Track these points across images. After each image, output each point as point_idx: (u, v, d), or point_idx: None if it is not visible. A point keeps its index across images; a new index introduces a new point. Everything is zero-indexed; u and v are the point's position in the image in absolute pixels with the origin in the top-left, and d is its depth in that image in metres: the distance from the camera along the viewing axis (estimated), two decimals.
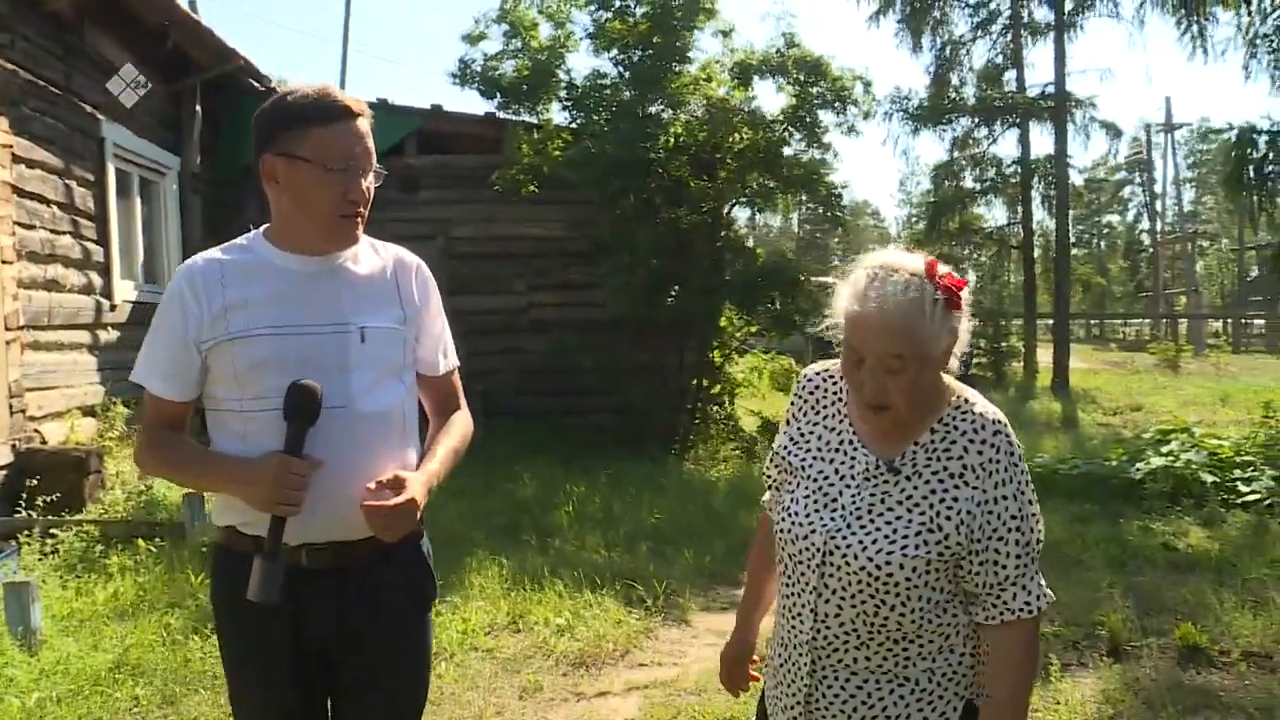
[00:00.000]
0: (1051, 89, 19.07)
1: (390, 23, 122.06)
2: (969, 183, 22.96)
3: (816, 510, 1.90)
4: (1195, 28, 9.16)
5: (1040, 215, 23.32)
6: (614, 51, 10.92)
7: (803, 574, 1.91)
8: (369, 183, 2.14)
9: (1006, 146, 58.40)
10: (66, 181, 8.34)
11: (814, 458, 1.96)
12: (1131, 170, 47.19)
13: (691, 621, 5.53)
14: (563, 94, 11.15)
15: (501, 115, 11.50)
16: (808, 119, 10.87)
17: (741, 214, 12.36)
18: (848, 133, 11.59)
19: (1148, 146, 47.13)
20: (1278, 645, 4.83)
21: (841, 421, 1.96)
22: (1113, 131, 21.32)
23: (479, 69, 11.17)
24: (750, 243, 13.35)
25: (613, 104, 10.80)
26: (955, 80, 22.25)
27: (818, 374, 2.06)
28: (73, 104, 8.46)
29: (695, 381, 11.26)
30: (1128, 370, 23.63)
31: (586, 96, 10.90)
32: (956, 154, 21.75)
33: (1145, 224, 52.22)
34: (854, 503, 1.87)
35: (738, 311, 11.06)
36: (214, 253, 2.19)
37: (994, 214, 23.88)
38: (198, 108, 10.74)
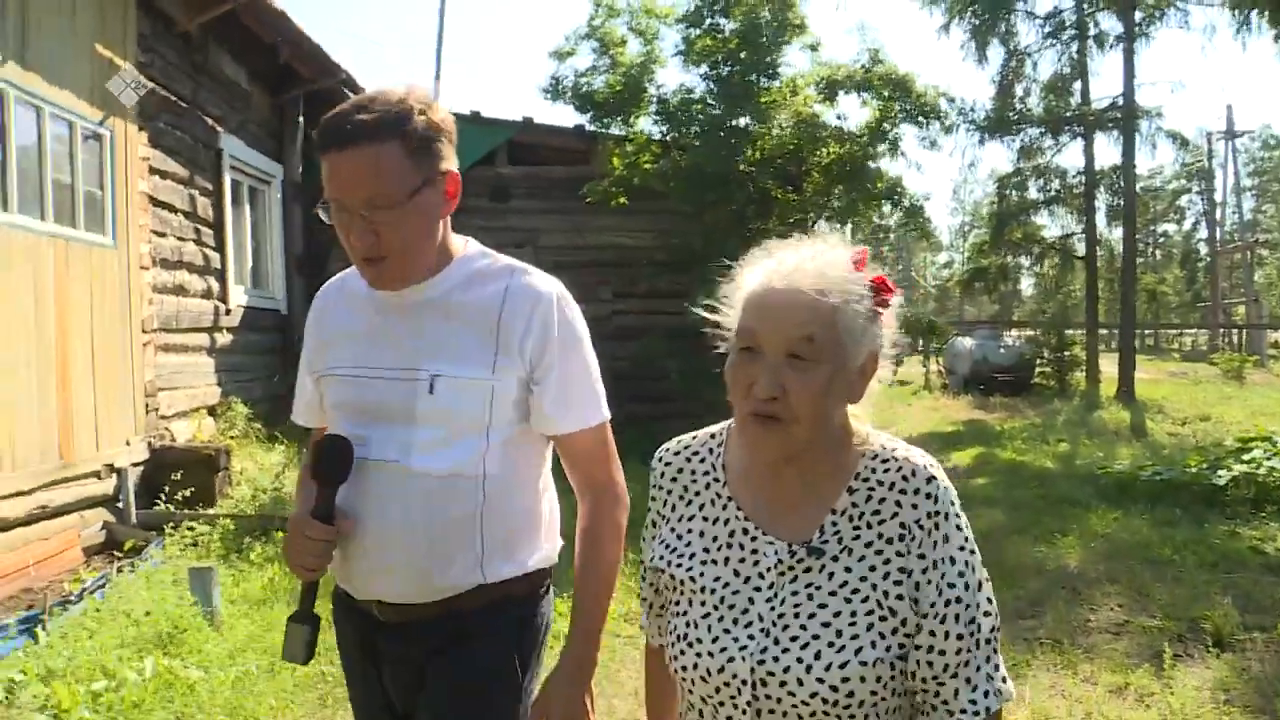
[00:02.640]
0: (1119, 99, 19.13)
1: (482, 36, 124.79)
2: (1033, 193, 23.04)
3: (726, 630, 1.44)
4: None
5: (1102, 226, 23.36)
6: (703, 67, 11.26)
7: (729, 717, 1.45)
8: (373, 221, 1.77)
9: (1071, 157, 58.06)
10: (190, 191, 8.84)
11: (701, 562, 1.51)
12: (1190, 179, 46.79)
13: None
14: (652, 108, 11.51)
15: (590, 128, 11.89)
16: (891, 133, 11.14)
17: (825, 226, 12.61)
18: (929, 146, 11.84)
19: (1209, 154, 46.71)
20: None
21: (725, 506, 1.52)
22: (1179, 141, 21.31)
23: (570, 84, 11.55)
24: None
25: (702, 118, 11.13)
26: (1020, 91, 22.32)
27: (677, 455, 1.61)
28: (198, 117, 8.96)
29: None
30: (1190, 380, 23.54)
31: (677, 111, 11.24)
32: (1022, 164, 21.83)
33: (1203, 233, 51.72)
34: (774, 609, 1.43)
35: None
36: (346, 272, 2.03)
37: (1056, 224, 23.89)
38: (300, 119, 11.24)
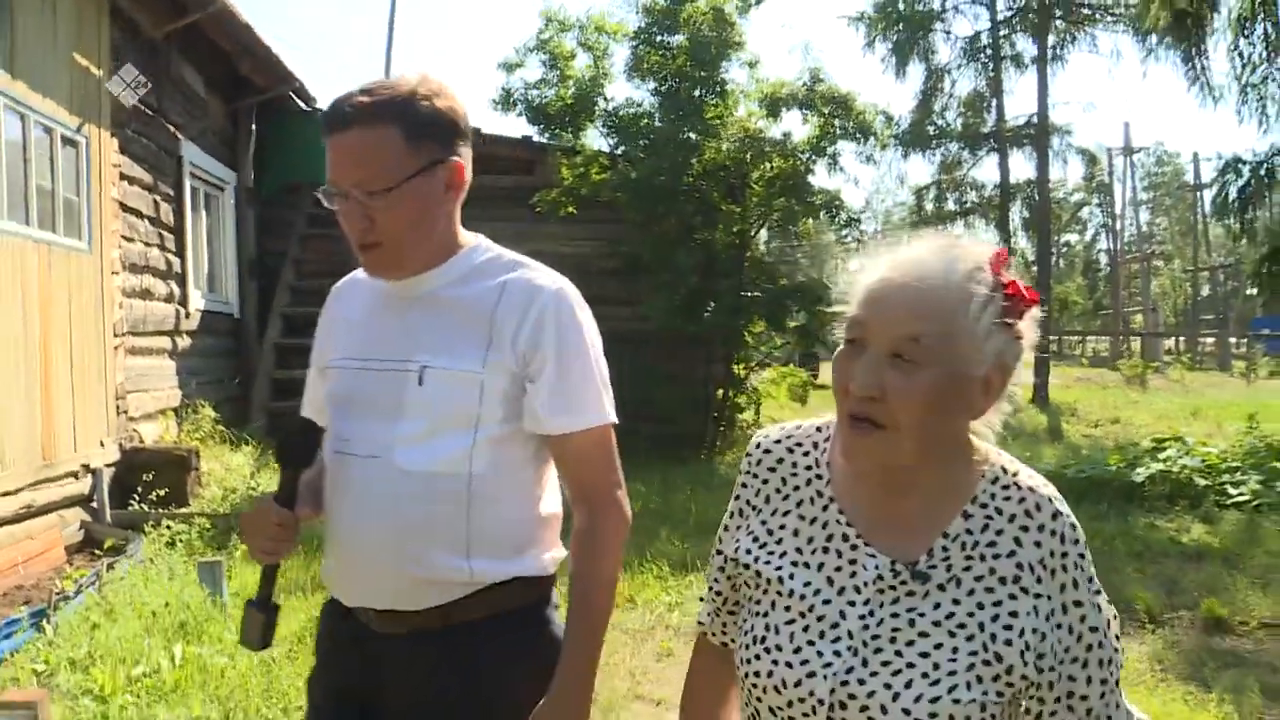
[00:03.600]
0: (1034, 118, 20.07)
1: (431, 47, 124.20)
2: (950, 205, 23.98)
3: (811, 641, 1.34)
4: (1200, 74, 10.13)
5: (1016, 237, 24.39)
6: (652, 83, 11.67)
7: None
8: (368, 206, 1.75)
9: (986, 171, 59.75)
10: (154, 197, 8.95)
11: (792, 564, 1.40)
12: (1092, 192, 48.72)
13: None
14: (601, 121, 11.87)
15: (538, 139, 12.21)
16: (829, 149, 11.67)
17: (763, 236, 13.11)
18: (865, 161, 12.42)
19: (1109, 169, 48.72)
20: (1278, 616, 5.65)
21: (827, 508, 1.41)
22: (1088, 158, 22.43)
23: (521, 95, 11.86)
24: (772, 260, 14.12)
25: (650, 131, 11.52)
26: (938, 106, 23.21)
27: (778, 443, 1.50)
28: (161, 125, 9.06)
29: (720, 392, 12.02)
30: (1098, 385, 24.68)
31: (627, 124, 11.62)
32: (941, 177, 22.72)
33: (1103, 243, 53.86)
34: (868, 629, 1.32)
35: (766, 326, 11.85)
36: (360, 270, 1.96)
37: (974, 236, 24.86)
38: (253, 126, 11.35)
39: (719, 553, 1.54)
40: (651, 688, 4.74)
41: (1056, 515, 1.32)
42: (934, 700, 1.26)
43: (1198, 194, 46.10)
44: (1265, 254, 10.19)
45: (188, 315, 9.60)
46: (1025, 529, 1.31)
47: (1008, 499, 1.33)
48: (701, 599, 1.60)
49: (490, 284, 1.83)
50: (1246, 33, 9.42)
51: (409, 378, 1.80)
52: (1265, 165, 10.14)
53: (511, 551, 1.84)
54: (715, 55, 11.72)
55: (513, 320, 1.80)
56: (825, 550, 1.38)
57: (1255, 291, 10.89)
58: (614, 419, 1.88)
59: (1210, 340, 40.97)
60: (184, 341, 9.53)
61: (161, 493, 7.43)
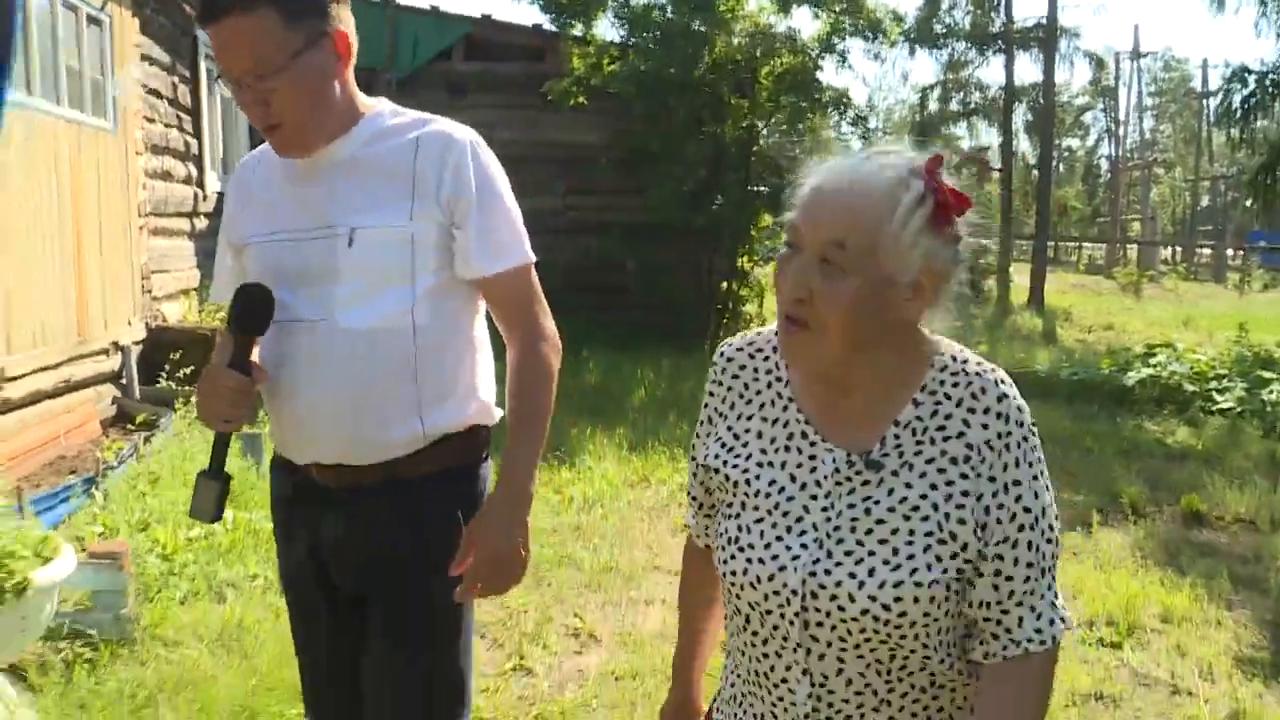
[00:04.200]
0: (1043, 20, 19.89)
1: None
2: (953, 105, 23.89)
3: (779, 537, 1.40)
4: None
5: (1018, 140, 24.38)
6: None
7: (776, 626, 1.41)
8: (262, 90, 1.75)
9: (991, 72, 58.92)
10: (172, 79, 8.99)
11: (758, 464, 1.45)
12: (1096, 96, 48.24)
13: None
14: (612, 12, 11.84)
15: (549, 28, 12.18)
16: (839, 46, 11.69)
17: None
18: (874, 59, 12.47)
19: (1115, 74, 48.16)
20: (1259, 513, 5.99)
21: (787, 408, 1.46)
22: (1096, 62, 22.29)
23: None
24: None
25: (661, 23, 11.51)
26: (946, 4, 22.95)
27: (740, 350, 1.54)
28: (177, 4, 9.05)
29: (725, 284, 12.26)
30: (1093, 292, 24.95)
31: (638, 15, 11.59)
32: (947, 76, 22.58)
33: (1105, 149, 53.57)
34: (830, 520, 1.38)
35: (772, 220, 12.03)
36: (265, 145, 1.97)
37: (975, 137, 24.82)
38: None
39: (693, 459, 1.59)
40: (668, 559, 5.08)
41: (1003, 398, 1.36)
42: (897, 585, 1.32)
43: (1204, 101, 45.70)
44: (1263, 163, 10.35)
45: (205, 197, 9.72)
46: (972, 410, 1.36)
47: (956, 384, 1.37)
48: (688, 506, 1.66)
49: (403, 140, 1.88)
50: None
51: (338, 241, 1.83)
52: (1271, 75, 10.22)
53: (459, 401, 1.93)
54: None
55: (433, 171, 1.85)
56: (787, 449, 1.43)
57: (1251, 201, 11.05)
58: (533, 257, 1.98)
59: (1207, 251, 41.15)
60: (201, 223, 9.68)
61: (188, 370, 7.69)
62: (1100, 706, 3.70)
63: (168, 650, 3.64)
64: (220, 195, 10.10)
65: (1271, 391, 8.84)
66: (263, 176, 1.98)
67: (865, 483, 1.37)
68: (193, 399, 6.94)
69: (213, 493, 1.89)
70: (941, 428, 1.36)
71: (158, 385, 7.66)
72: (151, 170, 8.38)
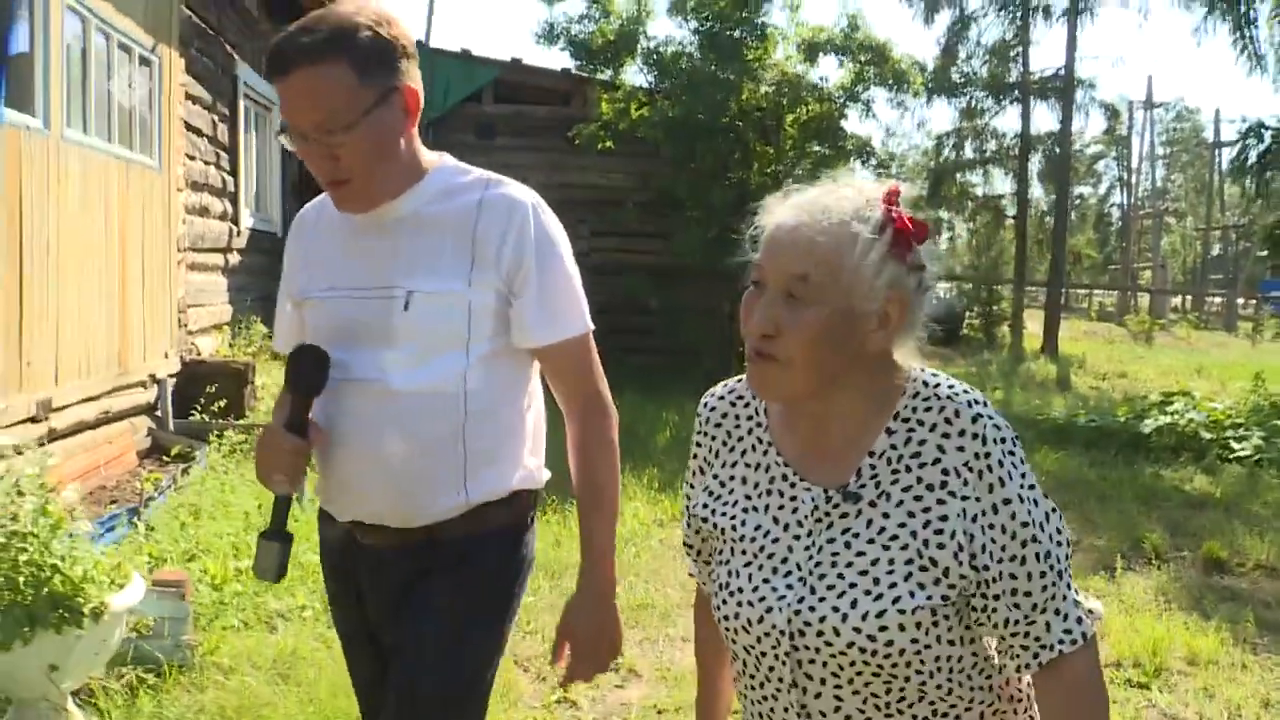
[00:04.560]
0: (1060, 70, 20.16)
1: None
2: (968, 153, 24.13)
3: (765, 579, 1.42)
4: (1248, 45, 10.40)
5: (1033, 187, 24.60)
6: (693, 22, 11.88)
7: (771, 668, 1.43)
8: (329, 144, 1.74)
9: (1006, 120, 59.42)
10: (212, 117, 9.23)
11: (743, 510, 1.49)
12: (1109, 145, 48.59)
13: None
14: (641, 58, 12.11)
15: (576, 72, 12.46)
16: (864, 95, 11.93)
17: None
18: (897, 108, 12.74)
19: (1129, 123, 48.57)
20: (1277, 560, 6.07)
21: (767, 452, 1.49)
22: (1111, 112, 22.54)
23: (563, 29, 12.09)
24: None
25: (689, 70, 11.77)
26: (963, 53, 23.23)
27: (721, 399, 1.59)
28: (220, 44, 9.31)
29: None
30: (1105, 340, 25.06)
31: (666, 62, 11.86)
32: (963, 124, 22.84)
33: (1116, 197, 53.85)
34: (811, 557, 1.39)
35: None
36: (324, 195, 1.94)
37: (990, 185, 25.02)
38: None
39: (686, 509, 1.62)
40: None
41: (977, 418, 1.36)
42: (880, 614, 1.33)
43: (1216, 151, 46.00)
44: (1278, 218, 10.49)
45: (239, 233, 9.93)
46: (947, 435, 1.36)
47: (929, 410, 1.39)
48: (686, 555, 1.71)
49: (467, 200, 1.85)
50: None
51: (395, 303, 1.82)
52: None
53: (505, 470, 1.90)
54: None
55: (494, 236, 1.82)
56: (769, 492, 1.47)
57: (1266, 254, 11.21)
58: (591, 325, 1.96)
59: (1218, 300, 41.24)
60: (234, 259, 9.87)
61: (222, 404, 7.83)
62: None
63: (225, 677, 3.75)
64: (253, 232, 10.32)
65: None
66: (323, 229, 1.97)
67: (844, 515, 1.39)
68: (227, 432, 7.15)
69: (274, 553, 1.90)
70: (916, 454, 1.38)
71: (191, 418, 7.81)
72: (190, 206, 8.59)
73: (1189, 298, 41.89)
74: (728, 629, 1.48)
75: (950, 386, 1.40)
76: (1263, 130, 10.55)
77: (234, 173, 9.85)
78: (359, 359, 1.85)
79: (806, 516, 1.42)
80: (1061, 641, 1.36)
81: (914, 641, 1.34)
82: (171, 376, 8.02)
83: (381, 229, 1.86)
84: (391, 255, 1.85)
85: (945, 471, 1.36)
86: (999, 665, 1.43)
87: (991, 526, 1.34)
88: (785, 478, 1.46)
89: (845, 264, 1.33)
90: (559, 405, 1.99)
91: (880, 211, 1.36)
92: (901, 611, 1.33)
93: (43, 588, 3.03)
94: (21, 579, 2.99)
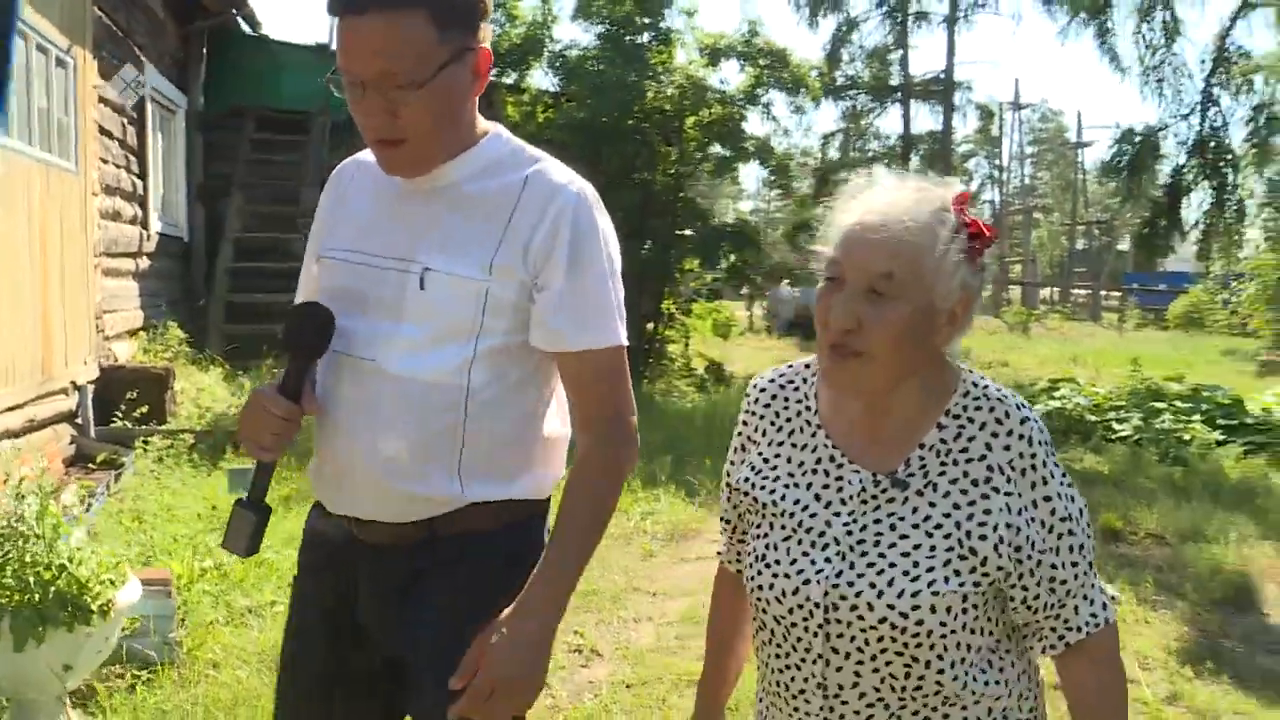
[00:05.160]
0: (941, 74, 21.07)
1: None
2: (852, 153, 24.98)
3: (805, 553, 1.47)
4: (1110, 53, 11.12)
5: None
6: (598, 26, 12.12)
7: (799, 639, 1.48)
8: (393, 100, 1.59)
9: (890, 121, 61.21)
10: (122, 120, 9.09)
11: (785, 485, 1.53)
12: (980, 144, 50.54)
13: None
14: (547, 62, 12.31)
15: None
16: (763, 98, 12.37)
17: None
18: (795, 112, 13.23)
19: (999, 123, 50.64)
20: (1167, 529, 6.63)
21: (815, 434, 1.54)
22: (985, 113, 23.61)
23: None
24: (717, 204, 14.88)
25: (595, 74, 12.02)
26: (847, 56, 24.05)
27: (772, 381, 1.63)
28: (129, 46, 9.18)
29: (650, 326, 12.74)
30: (984, 331, 26.19)
31: (572, 66, 12.07)
32: (848, 125, 23.64)
33: (988, 194, 56.07)
34: (852, 535, 1.45)
35: (700, 264, 12.56)
36: (365, 151, 1.81)
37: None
38: (204, 49, 11.43)
39: (726, 485, 1.65)
40: (645, 582, 5.45)
41: (1025, 420, 1.45)
42: (915, 594, 1.39)
43: (1079, 151, 48.34)
44: (1146, 219, 11.28)
45: (149, 238, 9.79)
46: (995, 434, 1.44)
47: (979, 408, 1.46)
48: (721, 531, 1.73)
49: (511, 180, 1.70)
50: (1149, 20, 10.40)
51: (410, 279, 1.67)
52: (1152, 138, 11.20)
53: (506, 474, 1.74)
54: (658, 3, 12.23)
55: (529, 221, 1.66)
56: (814, 471, 1.51)
57: (1136, 250, 12.03)
58: (626, 340, 1.75)
59: (1083, 292, 43.36)
60: (144, 264, 9.73)
61: (144, 410, 7.76)
62: (1056, 695, 4.17)
63: (216, 672, 3.85)
64: (162, 236, 10.18)
65: (1164, 420, 9.64)
66: (357, 188, 1.84)
67: (890, 500, 1.45)
68: (152, 438, 7.12)
69: (248, 525, 1.75)
70: (965, 450, 1.44)
71: (112, 425, 7.71)
72: (105, 210, 8.46)
73: (1057, 290, 43.92)
74: (760, 599, 1.52)
75: (999, 389, 1.49)
76: (1133, 136, 11.31)
77: (143, 176, 9.70)
78: (361, 331, 1.71)
79: (851, 497, 1.47)
80: (1088, 624, 1.47)
81: (942, 624, 1.41)
82: (91, 383, 7.91)
83: (416, 196, 1.72)
84: (419, 226, 1.70)
85: (990, 468, 1.43)
86: (1025, 647, 1.52)
87: (1034, 520, 1.43)
88: (833, 458, 1.51)
89: (928, 263, 1.39)
90: (573, 422, 1.78)
91: (953, 213, 1.43)
92: (936, 594, 1.40)
93: (50, 587, 3.11)
94: (32, 579, 3.07)
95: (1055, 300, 40.89)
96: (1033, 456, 1.44)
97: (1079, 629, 1.48)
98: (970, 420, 1.46)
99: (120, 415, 7.71)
